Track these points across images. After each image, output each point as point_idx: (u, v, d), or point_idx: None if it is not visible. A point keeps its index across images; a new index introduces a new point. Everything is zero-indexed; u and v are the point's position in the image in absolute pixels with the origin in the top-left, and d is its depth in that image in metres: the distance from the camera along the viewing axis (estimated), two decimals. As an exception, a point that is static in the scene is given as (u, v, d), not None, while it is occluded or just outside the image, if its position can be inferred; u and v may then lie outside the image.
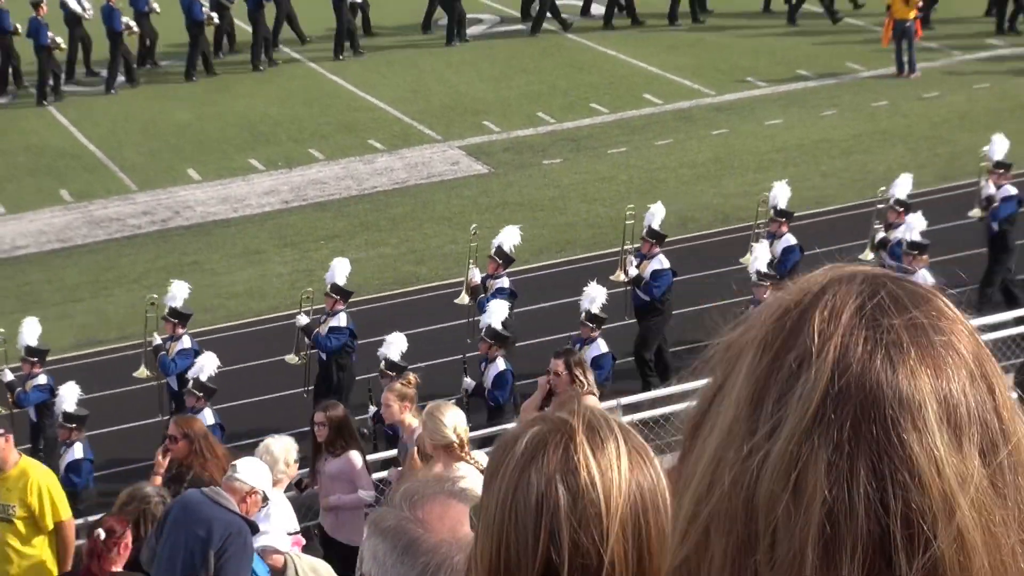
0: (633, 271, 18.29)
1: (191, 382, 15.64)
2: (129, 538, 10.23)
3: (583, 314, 16.82)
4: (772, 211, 19.25)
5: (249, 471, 10.24)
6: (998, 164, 19.94)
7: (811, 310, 1.46)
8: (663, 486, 2.15)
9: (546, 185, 25.54)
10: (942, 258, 18.16)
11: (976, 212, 20.08)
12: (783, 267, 18.43)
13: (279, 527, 11.00)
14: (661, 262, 18.38)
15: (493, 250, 18.37)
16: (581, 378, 13.27)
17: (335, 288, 17.68)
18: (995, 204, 19.38)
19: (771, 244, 18.74)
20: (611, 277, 18.61)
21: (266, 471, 10.60)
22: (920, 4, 29.63)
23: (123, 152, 27.73)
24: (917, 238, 17.76)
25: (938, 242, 18.64)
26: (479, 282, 18.34)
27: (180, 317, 17.46)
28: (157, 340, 17.70)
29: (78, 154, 27.76)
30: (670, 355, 18.47)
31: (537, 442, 2.14)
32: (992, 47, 31.68)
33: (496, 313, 16.40)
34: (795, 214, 19.54)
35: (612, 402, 14.67)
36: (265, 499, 10.42)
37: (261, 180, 26.30)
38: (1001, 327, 16.66)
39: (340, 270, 18.03)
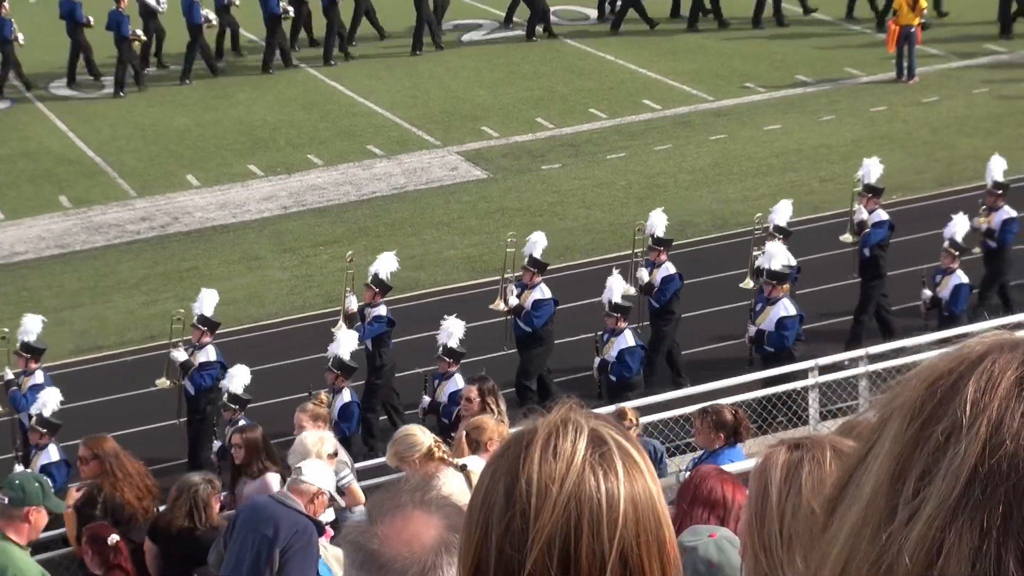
0: (514, 300, 17.93)
1: (34, 418, 15.32)
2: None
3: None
4: (650, 239, 18.82)
5: (314, 473, 10.29)
6: (869, 188, 19.59)
7: (965, 378, 1.33)
8: (618, 508, 2.05)
9: (545, 191, 25.54)
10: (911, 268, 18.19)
11: (847, 237, 19.68)
12: (662, 296, 18.25)
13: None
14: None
15: (370, 278, 17.98)
16: (493, 405, 13.15)
17: (202, 319, 17.34)
18: (867, 230, 19.01)
19: (650, 272, 18.43)
20: (490, 307, 18.54)
21: (330, 472, 10.69)
22: (924, 10, 29.62)
23: (122, 158, 27.72)
24: (777, 267, 17.45)
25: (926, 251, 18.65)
26: (355, 310, 18.10)
27: (32, 351, 17.02)
28: (9, 375, 17.29)
29: (77, 160, 27.75)
30: (681, 358, 18.55)
31: (506, 443, 2.14)
32: (991, 52, 31.69)
33: (345, 344, 16.12)
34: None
35: (611, 407, 14.65)
36: (332, 499, 10.54)
37: (260, 186, 26.29)
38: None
39: (208, 301, 17.57)
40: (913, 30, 29.45)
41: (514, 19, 34.43)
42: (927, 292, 18.26)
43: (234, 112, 29.92)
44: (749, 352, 17.52)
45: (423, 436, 9.93)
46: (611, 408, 14.67)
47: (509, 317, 18.37)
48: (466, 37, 34.30)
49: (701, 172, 25.98)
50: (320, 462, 10.85)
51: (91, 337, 21.03)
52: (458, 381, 16.28)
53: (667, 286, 18.35)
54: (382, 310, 17.80)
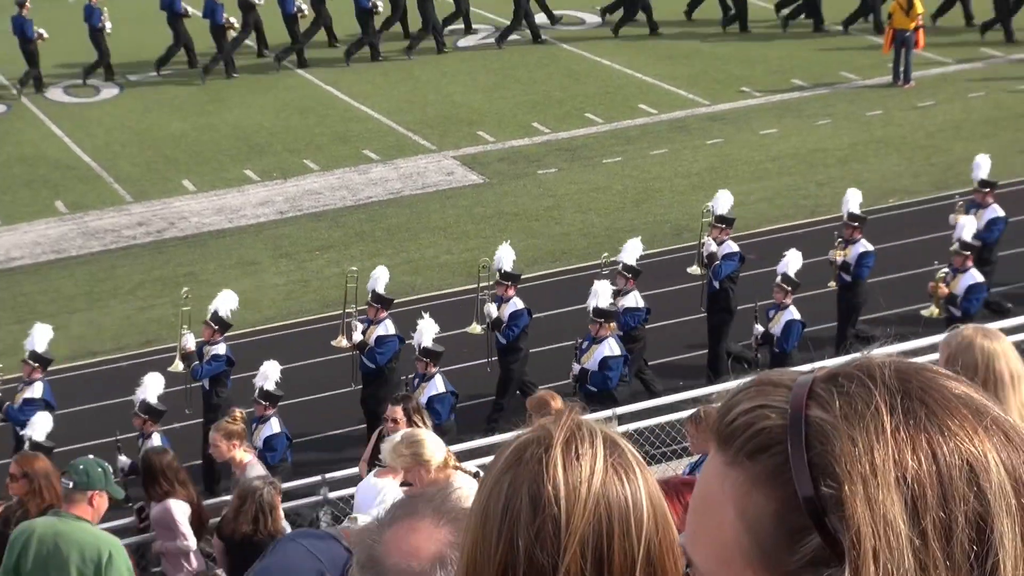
0: (358, 336, 17.57)
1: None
2: None
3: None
4: (498, 273, 18.37)
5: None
6: (721, 219, 19.09)
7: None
8: (642, 507, 2.08)
9: (541, 195, 25.54)
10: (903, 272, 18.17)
11: (695, 270, 19.32)
12: (511, 332, 17.91)
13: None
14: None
15: (209, 315, 17.52)
16: (420, 423, 13.00)
17: (33, 355, 16.99)
18: (717, 262, 18.63)
19: (499, 307, 18.11)
20: (332, 343, 18.40)
21: None
22: (920, 15, 29.64)
23: (118, 163, 27.71)
24: (603, 305, 16.99)
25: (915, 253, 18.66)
26: (192, 349, 17.70)
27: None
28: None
29: (73, 165, 27.74)
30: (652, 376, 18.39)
31: (519, 449, 2.12)
32: (987, 56, 31.72)
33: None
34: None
35: (608, 412, 14.64)
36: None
37: (256, 191, 26.29)
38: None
39: (40, 337, 17.20)
40: (908, 34, 29.47)
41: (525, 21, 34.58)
42: (759, 327, 17.69)
43: (230, 117, 29.92)
44: (573, 390, 16.94)
45: (434, 446, 9.79)
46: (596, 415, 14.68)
47: (355, 352, 17.92)
48: (462, 42, 34.30)
49: (697, 176, 25.98)
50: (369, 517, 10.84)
51: (87, 342, 21.01)
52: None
53: (515, 322, 17.94)
54: (221, 348, 17.23)
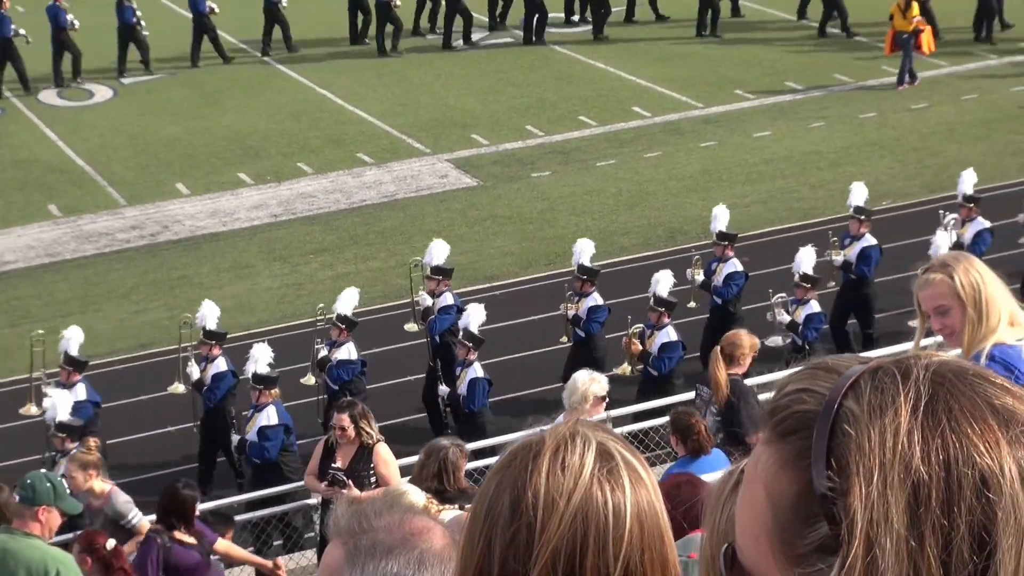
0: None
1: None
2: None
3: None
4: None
5: None
6: (438, 270, 18.48)
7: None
8: (624, 523, 2.05)
9: (535, 198, 25.54)
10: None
11: (412, 327, 18.90)
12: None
13: None
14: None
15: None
16: (367, 429, 13.05)
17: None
18: (432, 316, 18.10)
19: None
20: (20, 411, 17.90)
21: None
22: (917, 17, 29.65)
23: (112, 167, 27.70)
24: (344, 357, 16.72)
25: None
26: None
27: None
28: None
29: (67, 169, 27.72)
30: None
31: (512, 453, 2.12)
32: (980, 58, 31.76)
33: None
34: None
35: (603, 414, 14.63)
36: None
37: (250, 194, 26.28)
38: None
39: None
40: (907, 36, 29.49)
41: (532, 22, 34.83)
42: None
43: (224, 120, 29.91)
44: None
45: (416, 496, 9.74)
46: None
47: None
48: (456, 44, 34.30)
49: (691, 179, 26.00)
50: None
51: (81, 346, 20.96)
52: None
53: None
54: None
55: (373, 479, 13.04)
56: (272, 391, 15.51)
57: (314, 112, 30.27)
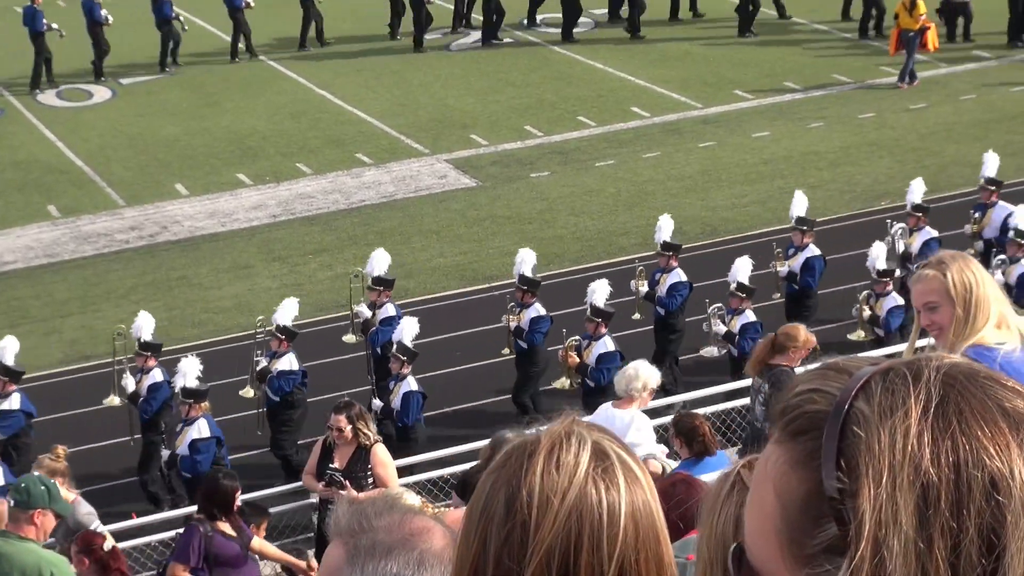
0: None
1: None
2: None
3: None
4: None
5: None
6: (379, 280, 18.19)
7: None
8: (618, 523, 2.04)
9: (534, 198, 25.55)
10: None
11: (351, 338, 18.49)
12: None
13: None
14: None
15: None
16: (365, 430, 13.06)
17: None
18: (374, 328, 17.73)
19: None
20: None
21: None
22: (923, 15, 29.63)
23: (111, 167, 27.70)
24: (191, 385, 15.94)
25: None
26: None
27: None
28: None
29: (66, 169, 27.73)
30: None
31: (508, 451, 2.12)
32: (978, 59, 31.77)
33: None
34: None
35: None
36: None
37: (249, 194, 26.28)
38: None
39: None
40: (912, 34, 29.49)
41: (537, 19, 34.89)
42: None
43: (223, 121, 29.92)
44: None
45: (411, 499, 9.72)
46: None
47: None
48: (455, 45, 34.34)
49: (690, 179, 26.00)
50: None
51: (80, 346, 20.99)
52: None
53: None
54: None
55: (371, 480, 13.06)
56: (202, 404, 15.33)
57: (313, 112, 30.27)
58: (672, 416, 12.39)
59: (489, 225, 24.41)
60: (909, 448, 1.53)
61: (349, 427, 13.02)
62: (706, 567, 2.68)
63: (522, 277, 17.97)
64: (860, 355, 1.70)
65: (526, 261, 18.13)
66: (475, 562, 2.06)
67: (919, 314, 5.71)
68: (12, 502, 9.57)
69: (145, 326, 17.16)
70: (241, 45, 33.31)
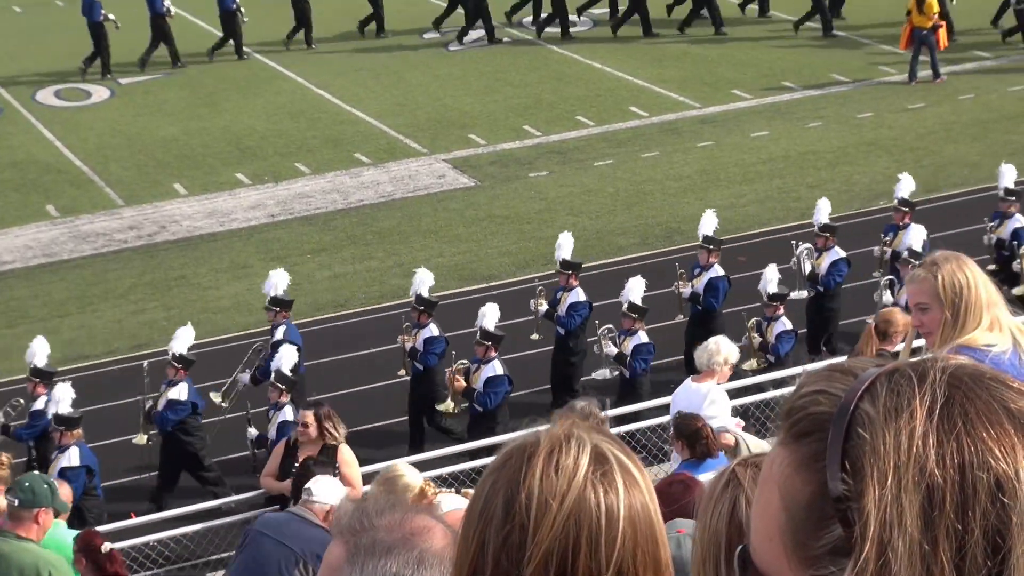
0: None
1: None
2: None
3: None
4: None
5: (323, 491, 10.13)
6: (276, 301, 17.79)
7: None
8: (617, 525, 2.05)
9: (532, 198, 25.55)
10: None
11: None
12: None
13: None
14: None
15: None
16: (332, 430, 13.08)
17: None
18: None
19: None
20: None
21: (339, 488, 10.47)
22: (935, 13, 29.62)
23: (109, 167, 27.70)
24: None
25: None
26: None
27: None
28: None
29: (64, 169, 27.72)
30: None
31: (507, 453, 2.13)
32: (977, 58, 31.78)
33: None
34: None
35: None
36: None
37: (247, 194, 26.28)
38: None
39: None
40: (926, 33, 29.48)
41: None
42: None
43: (221, 121, 29.92)
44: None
45: (413, 476, 9.65)
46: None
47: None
48: (453, 45, 34.34)
49: (688, 179, 26.00)
50: (328, 479, 10.75)
51: (78, 346, 20.99)
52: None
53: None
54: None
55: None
56: (75, 432, 14.98)
57: (311, 112, 30.27)
58: (671, 418, 12.38)
59: (488, 225, 24.41)
60: (914, 449, 1.52)
61: (315, 424, 13.12)
62: (701, 562, 2.69)
63: (419, 297, 17.61)
64: (864, 358, 1.70)
65: (424, 281, 17.80)
66: (473, 563, 2.07)
67: (912, 314, 5.76)
68: (16, 501, 9.56)
69: (39, 352, 16.75)
70: (228, 47, 33.27)
